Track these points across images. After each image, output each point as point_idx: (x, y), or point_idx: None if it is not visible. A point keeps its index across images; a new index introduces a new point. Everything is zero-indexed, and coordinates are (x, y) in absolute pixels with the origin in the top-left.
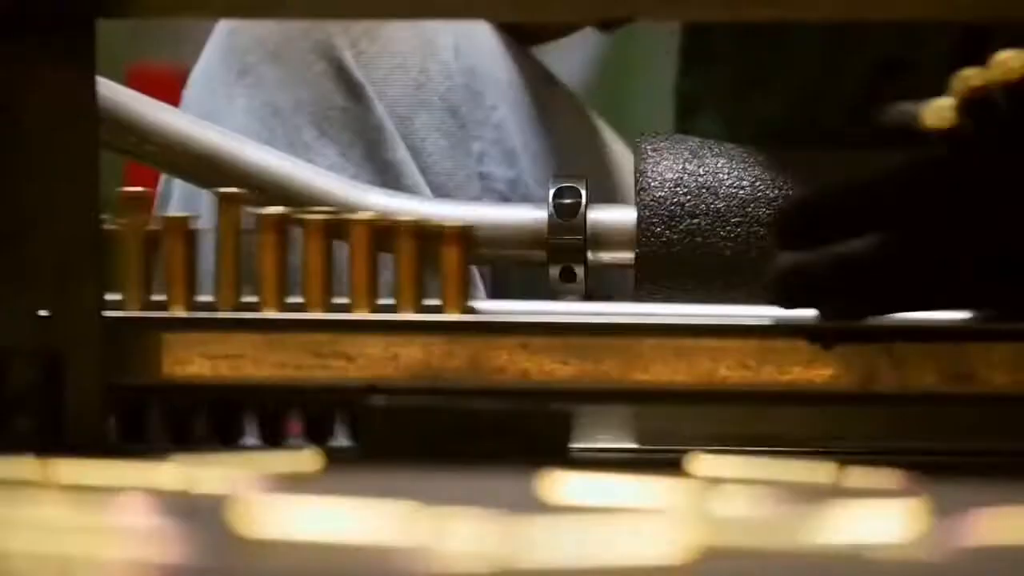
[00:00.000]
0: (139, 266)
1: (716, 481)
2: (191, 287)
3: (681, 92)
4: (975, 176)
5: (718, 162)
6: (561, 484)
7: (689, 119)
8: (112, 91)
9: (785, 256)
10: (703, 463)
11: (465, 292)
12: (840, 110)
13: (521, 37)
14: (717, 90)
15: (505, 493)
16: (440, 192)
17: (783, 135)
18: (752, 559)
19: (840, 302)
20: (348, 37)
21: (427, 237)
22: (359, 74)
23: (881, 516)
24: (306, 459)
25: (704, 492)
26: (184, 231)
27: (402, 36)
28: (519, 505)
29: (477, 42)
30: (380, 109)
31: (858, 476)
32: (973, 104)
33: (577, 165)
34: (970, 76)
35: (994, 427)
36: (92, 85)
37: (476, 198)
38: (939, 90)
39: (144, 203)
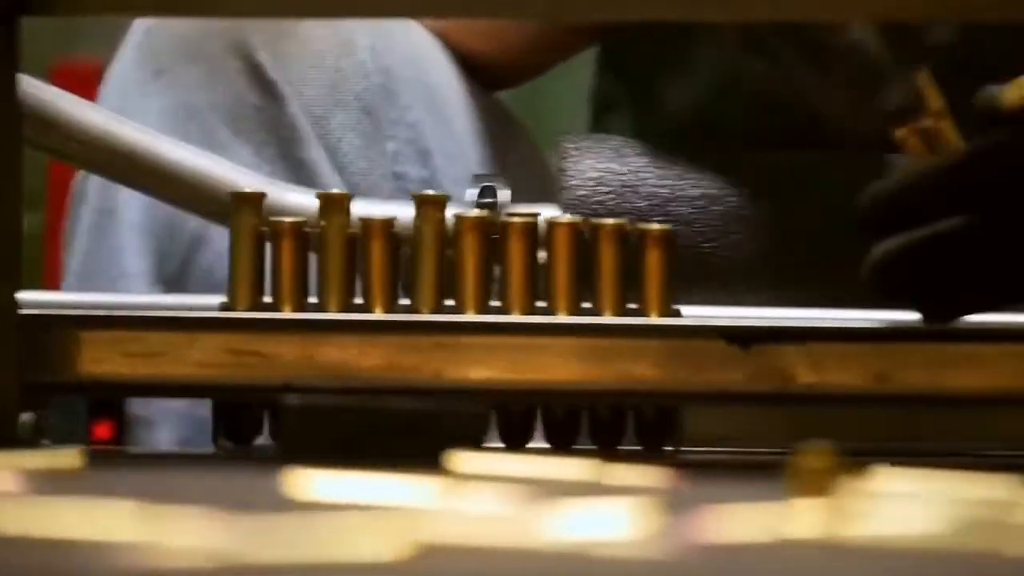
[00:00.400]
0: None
1: (475, 478)
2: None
3: (597, 92)
4: None
5: (640, 161)
6: (309, 481)
7: (604, 119)
8: (36, 88)
9: (878, 246)
10: (465, 460)
11: (670, 295)
12: (746, 110)
13: (486, 82)
14: (631, 89)
15: (248, 490)
16: (354, 191)
17: (694, 134)
18: (472, 557)
19: (941, 288)
20: (264, 36)
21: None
22: (274, 73)
23: (615, 513)
24: (66, 457)
25: (455, 489)
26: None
27: (319, 35)
28: (256, 503)
29: (396, 42)
30: (295, 108)
31: (621, 473)
32: None
33: (505, 166)
34: None
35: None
36: (14, 83)
37: (390, 197)
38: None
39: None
